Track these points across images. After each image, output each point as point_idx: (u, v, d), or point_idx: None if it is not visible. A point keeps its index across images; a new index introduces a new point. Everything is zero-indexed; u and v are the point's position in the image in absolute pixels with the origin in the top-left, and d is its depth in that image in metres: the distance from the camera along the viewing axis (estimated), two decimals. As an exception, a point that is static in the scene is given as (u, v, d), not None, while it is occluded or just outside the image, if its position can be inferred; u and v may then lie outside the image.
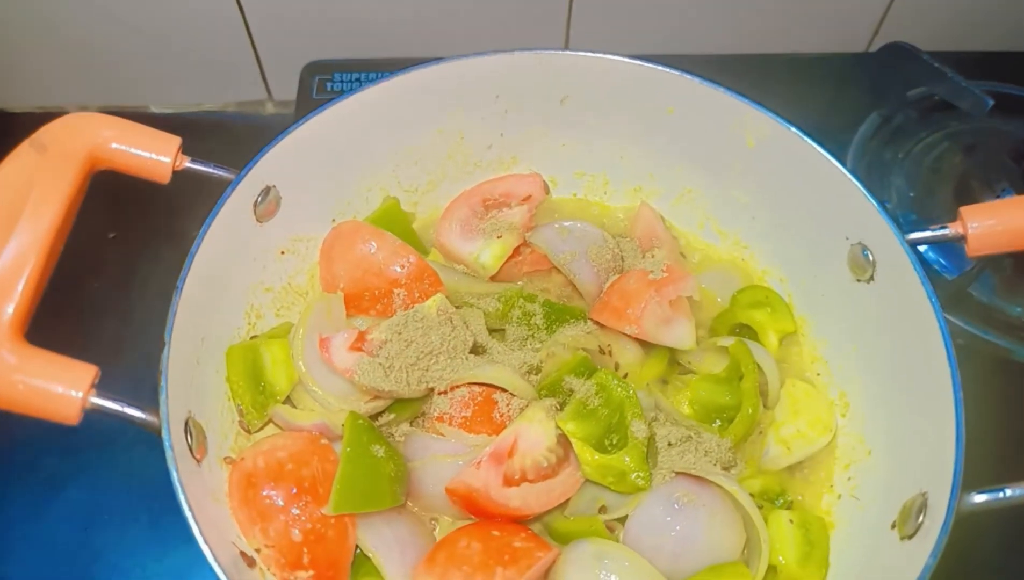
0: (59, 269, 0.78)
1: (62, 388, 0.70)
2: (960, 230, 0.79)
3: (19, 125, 1.38)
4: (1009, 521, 0.90)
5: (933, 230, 0.81)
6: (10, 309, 0.71)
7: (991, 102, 1.24)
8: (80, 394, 0.70)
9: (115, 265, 1.17)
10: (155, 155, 0.82)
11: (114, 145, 0.81)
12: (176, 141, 0.83)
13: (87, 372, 0.71)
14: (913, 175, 1.28)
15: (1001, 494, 0.67)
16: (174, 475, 0.70)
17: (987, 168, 1.25)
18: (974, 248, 0.78)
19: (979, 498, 0.68)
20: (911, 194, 1.26)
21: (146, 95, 1.40)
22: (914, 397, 0.79)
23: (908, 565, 0.67)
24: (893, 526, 0.75)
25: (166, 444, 0.71)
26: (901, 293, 0.80)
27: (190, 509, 0.69)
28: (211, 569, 0.90)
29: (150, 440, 1.02)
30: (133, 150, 0.81)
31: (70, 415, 0.70)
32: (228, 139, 1.36)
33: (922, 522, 0.70)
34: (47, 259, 0.74)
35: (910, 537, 0.71)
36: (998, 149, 1.28)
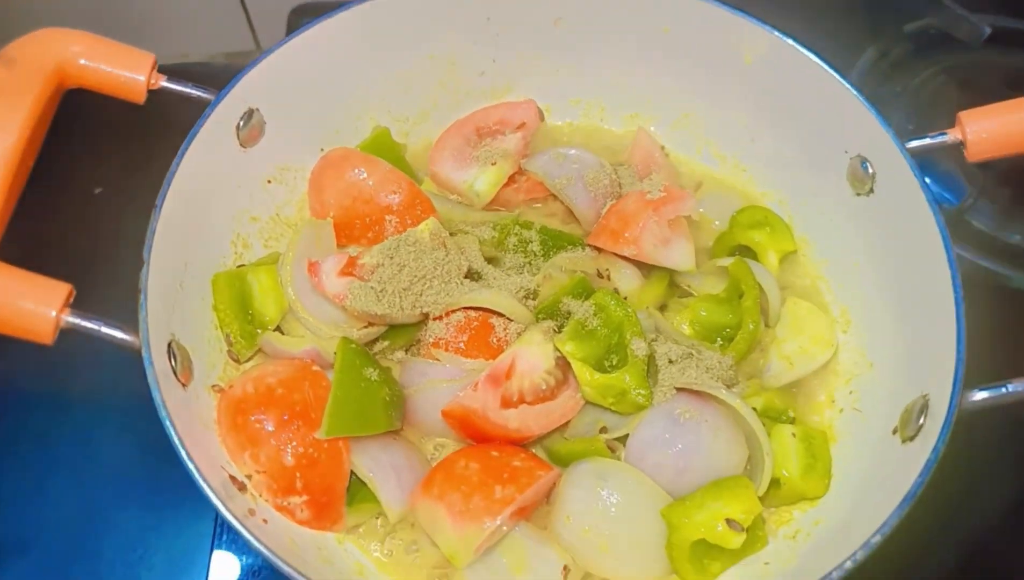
0: (32, 187, 0.75)
1: (35, 305, 0.67)
2: (959, 136, 0.77)
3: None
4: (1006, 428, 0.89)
5: (932, 137, 0.79)
6: (-19, 225, 0.68)
7: (988, 30, 1.22)
8: (54, 312, 0.68)
9: (91, 186, 1.13)
10: (128, 72, 0.79)
11: (83, 61, 0.78)
12: (150, 58, 0.80)
13: (61, 290, 0.69)
14: (910, 109, 1.26)
15: (1004, 390, 0.66)
16: (156, 394, 0.67)
17: (984, 100, 1.22)
18: (974, 153, 0.77)
19: (980, 395, 0.67)
20: (909, 127, 1.24)
21: (130, 45, 1.37)
22: (916, 304, 0.77)
23: (910, 466, 0.66)
24: (894, 431, 0.73)
25: (146, 362, 0.68)
26: (901, 202, 0.78)
27: (173, 427, 0.66)
28: (208, 517, 0.89)
29: (144, 393, 1.00)
30: (104, 67, 0.78)
31: (44, 333, 0.68)
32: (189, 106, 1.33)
33: (923, 423, 0.69)
34: (15, 174, 0.71)
35: (912, 438, 0.70)
36: (995, 80, 1.25)
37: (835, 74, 0.83)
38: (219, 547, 0.92)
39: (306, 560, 0.71)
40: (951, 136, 0.78)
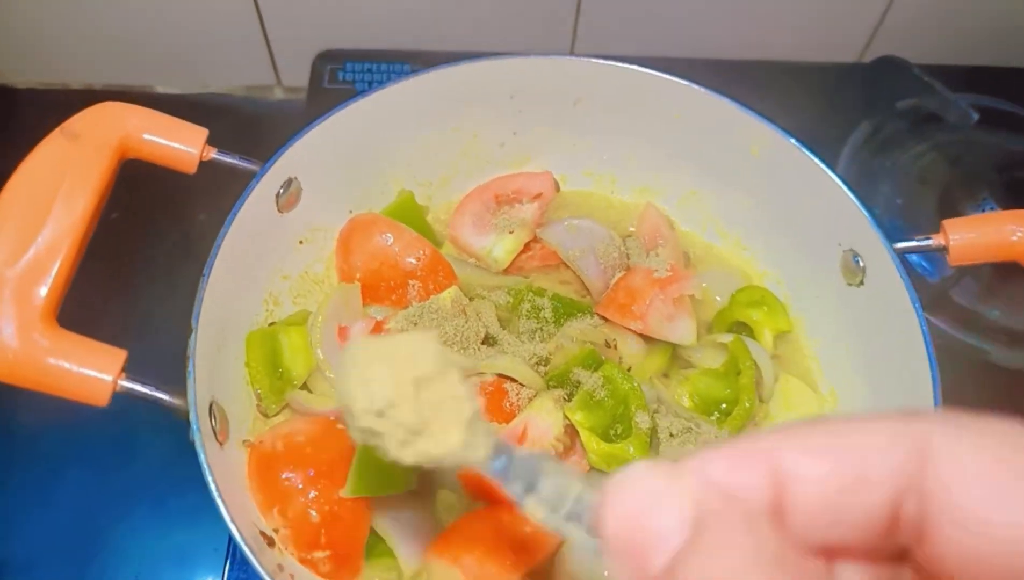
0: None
1: (94, 371, 0.72)
2: (942, 241, 0.84)
3: (23, 101, 1.39)
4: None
5: (918, 240, 0.86)
6: (43, 293, 0.73)
7: (976, 116, 1.29)
8: (111, 377, 0.73)
9: (118, 249, 1.18)
10: (184, 146, 0.84)
11: (145, 136, 0.83)
12: (203, 133, 0.85)
13: (117, 356, 0.74)
14: (901, 184, 1.33)
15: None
16: (202, 457, 0.72)
17: (971, 179, 1.31)
18: (955, 258, 0.84)
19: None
20: (898, 201, 1.31)
21: (152, 75, 1.41)
22: (897, 393, 0.84)
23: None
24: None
25: (194, 427, 0.74)
26: (888, 297, 0.85)
27: (218, 490, 0.71)
28: (217, 550, 0.94)
29: (154, 422, 1.04)
30: (163, 141, 0.84)
31: (101, 397, 0.73)
32: (235, 123, 1.37)
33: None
34: (79, 246, 0.76)
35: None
36: (982, 161, 1.33)
37: (833, 175, 0.90)
38: (230, 576, 0.97)
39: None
40: (935, 241, 0.84)
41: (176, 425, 1.03)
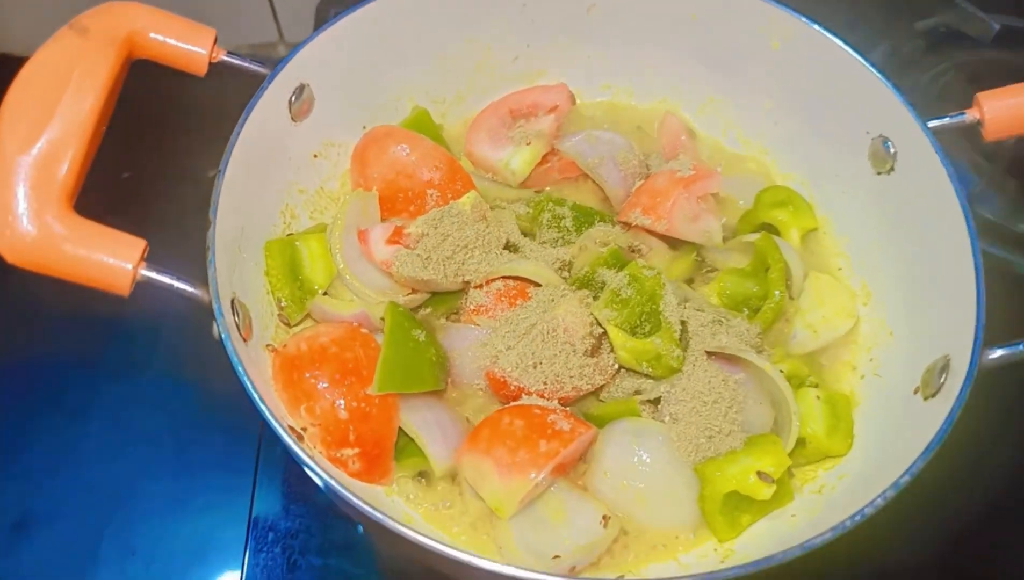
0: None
1: (113, 259, 0.71)
2: (977, 115, 0.82)
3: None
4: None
5: (952, 117, 0.84)
6: (58, 180, 0.72)
7: (997, 27, 1.27)
8: (131, 266, 0.71)
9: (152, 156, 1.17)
10: (192, 46, 0.83)
11: (152, 35, 0.82)
12: (212, 33, 0.84)
13: (137, 245, 0.73)
14: (921, 106, 1.30)
15: (1019, 348, 0.71)
16: (227, 344, 0.71)
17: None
18: (991, 131, 0.82)
19: (998, 353, 0.72)
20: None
21: (194, 22, 1.40)
22: (935, 275, 0.82)
23: (932, 419, 0.70)
24: (916, 391, 0.78)
25: (216, 314, 0.72)
26: (922, 179, 0.83)
27: (246, 374, 0.70)
28: (242, 491, 0.92)
29: (175, 369, 1.03)
30: (171, 40, 0.82)
31: (121, 286, 0.72)
32: (240, 82, 1.37)
33: (944, 381, 0.73)
34: (91, 137, 0.75)
35: (933, 395, 0.75)
36: (1003, 76, 1.29)
37: (859, 58, 0.88)
38: (255, 515, 0.95)
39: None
40: (969, 116, 0.82)
41: (198, 376, 1.02)
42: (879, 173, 0.90)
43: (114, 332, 1.10)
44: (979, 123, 0.82)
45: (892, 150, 0.87)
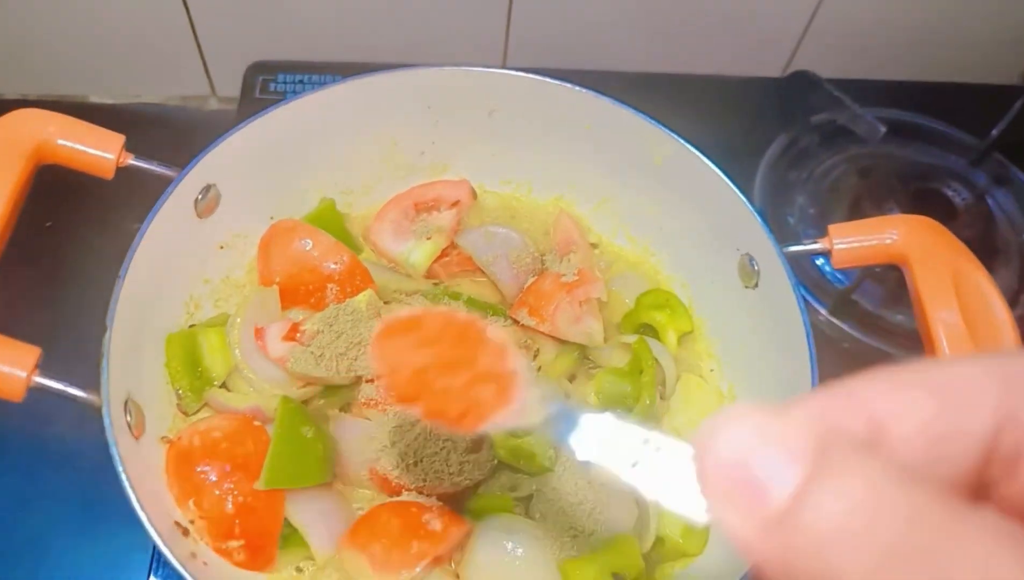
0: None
1: (8, 368, 0.75)
2: (827, 245, 0.90)
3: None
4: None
5: (805, 244, 0.91)
6: (-42, 293, 0.76)
7: (883, 129, 1.36)
8: (25, 373, 0.76)
9: (49, 254, 1.20)
10: (100, 152, 0.87)
11: (60, 141, 0.86)
12: (120, 139, 0.88)
13: (31, 353, 0.77)
14: (814, 194, 1.40)
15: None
16: (113, 450, 0.75)
17: (879, 189, 1.38)
18: (838, 261, 0.89)
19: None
20: (811, 211, 1.38)
21: (86, 85, 1.43)
22: (786, 389, 0.89)
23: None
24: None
25: (106, 421, 0.76)
26: (778, 298, 0.90)
27: (128, 479, 0.74)
28: (144, 549, 0.96)
29: (85, 423, 1.06)
30: (79, 146, 0.86)
31: (15, 393, 0.76)
32: (170, 133, 1.40)
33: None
34: (-5, 248, 0.79)
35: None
36: (889, 172, 1.40)
37: (729, 182, 0.95)
38: (156, 575, 0.99)
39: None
40: (820, 244, 0.90)
41: (103, 428, 1.06)
42: (746, 286, 0.98)
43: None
44: (828, 252, 0.89)
45: (756, 268, 0.95)
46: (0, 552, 1.03)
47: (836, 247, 0.89)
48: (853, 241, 0.89)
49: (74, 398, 0.77)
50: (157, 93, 1.47)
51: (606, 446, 0.42)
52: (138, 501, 0.73)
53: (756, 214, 0.94)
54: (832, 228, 0.90)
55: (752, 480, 0.31)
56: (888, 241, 0.88)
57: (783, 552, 0.30)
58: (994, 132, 1.40)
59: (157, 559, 1.00)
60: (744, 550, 0.31)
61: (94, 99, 1.44)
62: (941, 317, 0.81)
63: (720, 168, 0.97)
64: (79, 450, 1.08)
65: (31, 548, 1.04)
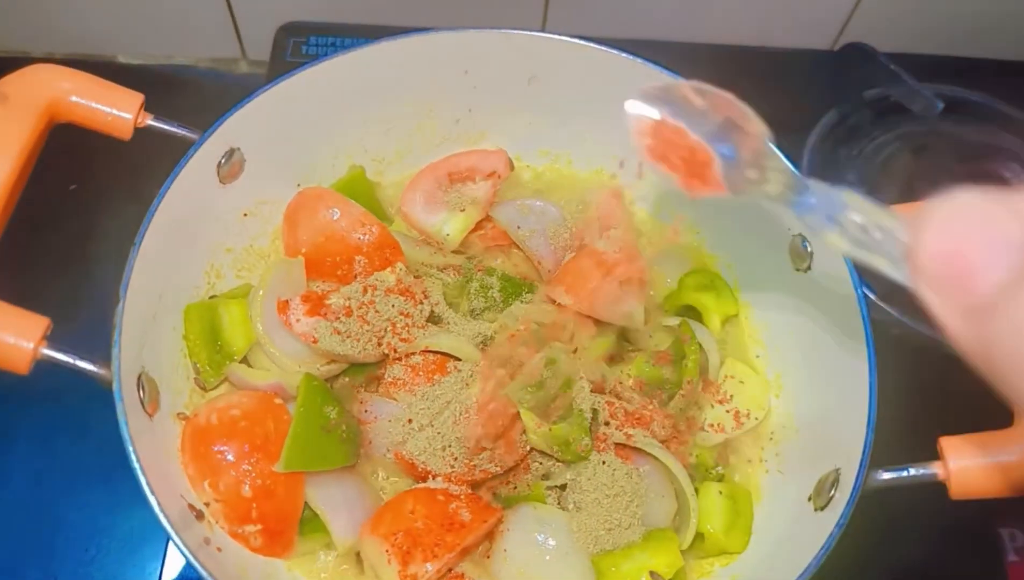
0: (17, 220, 0.78)
1: (13, 338, 0.71)
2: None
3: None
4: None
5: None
6: (-34, 256, 0.71)
7: (941, 105, 1.29)
8: (31, 345, 0.71)
9: (74, 218, 1.16)
10: (116, 111, 0.82)
11: (74, 98, 0.81)
12: (139, 98, 0.84)
13: (39, 323, 0.72)
14: (864, 173, 1.33)
15: (905, 472, 0.72)
16: (123, 428, 0.71)
17: (934, 169, 1.30)
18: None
19: (886, 475, 0.73)
20: (862, 190, 1.30)
21: (115, 45, 1.39)
22: (838, 381, 0.83)
23: (818, 534, 0.72)
24: (809, 499, 0.79)
25: (116, 397, 0.72)
26: (832, 282, 0.84)
27: (138, 460, 0.70)
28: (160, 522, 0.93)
29: (104, 395, 1.03)
30: (94, 104, 0.82)
31: (20, 365, 0.72)
32: (198, 95, 1.35)
33: (833, 495, 0.75)
34: (5, 206, 0.75)
35: (822, 508, 0.76)
36: (945, 152, 1.33)
37: (783, 157, 0.89)
38: (171, 550, 0.96)
39: (254, 587, 0.76)
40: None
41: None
42: (797, 270, 0.91)
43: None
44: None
45: (809, 249, 0.89)
46: (16, 525, 1.01)
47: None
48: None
49: (83, 372, 0.73)
50: (186, 55, 1.42)
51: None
52: (148, 484, 0.69)
53: (813, 193, 0.87)
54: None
55: (965, 268, 0.32)
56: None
57: (986, 339, 0.31)
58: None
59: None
60: (946, 334, 0.33)
61: (122, 59, 1.40)
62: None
63: (773, 143, 0.90)
64: (97, 421, 1.06)
65: (47, 521, 1.01)
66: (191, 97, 1.31)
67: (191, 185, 0.85)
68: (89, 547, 1.01)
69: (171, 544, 0.95)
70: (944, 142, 1.34)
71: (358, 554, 0.84)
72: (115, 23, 1.34)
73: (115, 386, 0.72)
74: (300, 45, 1.34)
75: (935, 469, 0.71)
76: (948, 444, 0.72)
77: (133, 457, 0.70)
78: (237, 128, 0.89)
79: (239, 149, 0.91)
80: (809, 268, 0.90)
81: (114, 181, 1.10)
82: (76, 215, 1.16)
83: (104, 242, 1.10)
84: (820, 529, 0.73)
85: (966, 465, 0.70)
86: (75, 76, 0.81)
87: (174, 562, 0.96)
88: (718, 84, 0.95)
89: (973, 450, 0.71)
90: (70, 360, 0.72)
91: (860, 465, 0.72)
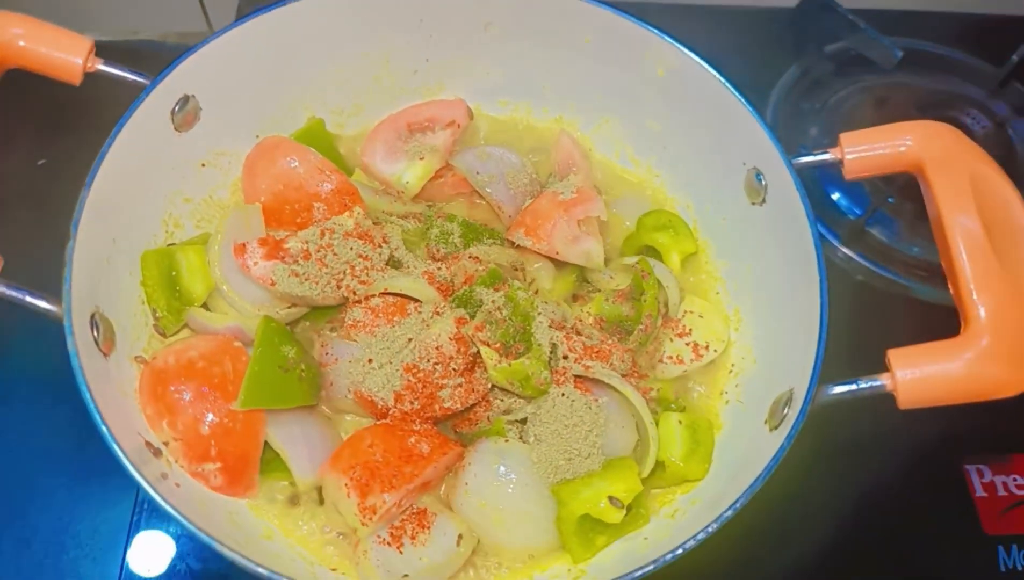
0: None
1: (-34, 275, 0.71)
2: (838, 155, 0.84)
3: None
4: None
5: (816, 154, 0.85)
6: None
7: (900, 54, 1.30)
8: (-17, 282, 0.71)
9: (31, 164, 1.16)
10: (66, 55, 0.82)
11: (23, 43, 0.81)
12: (88, 42, 0.84)
13: (-14, 260, 0.72)
14: (827, 125, 1.34)
15: (854, 386, 0.73)
16: (74, 360, 0.71)
17: (895, 118, 1.28)
18: (850, 171, 0.83)
19: (836, 389, 0.74)
20: (824, 142, 1.32)
21: (83, 22, 1.38)
22: (794, 307, 0.84)
23: (771, 451, 0.72)
24: (765, 421, 0.80)
25: (67, 331, 0.72)
26: (786, 213, 0.85)
27: (89, 393, 0.70)
28: (130, 487, 0.93)
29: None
30: (43, 49, 0.82)
31: (-27, 302, 0.72)
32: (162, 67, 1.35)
33: (787, 413, 0.75)
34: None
35: (776, 427, 0.77)
36: (906, 101, 1.34)
37: (734, 92, 0.90)
38: (140, 516, 0.96)
39: (213, 522, 0.75)
40: (832, 154, 0.84)
41: None
42: (753, 203, 0.92)
43: (21, 316, 1.10)
44: (840, 162, 0.84)
45: (763, 182, 0.90)
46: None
47: (848, 156, 0.83)
48: (866, 149, 0.83)
49: (33, 307, 0.73)
50: (153, 29, 1.42)
51: None
52: (99, 413, 0.69)
53: (762, 124, 0.88)
54: (844, 136, 0.84)
55: None
56: (902, 148, 0.82)
57: None
58: (1014, 57, 1.34)
59: (143, 498, 0.97)
60: None
61: (90, 36, 1.39)
62: (959, 222, 0.76)
63: (725, 77, 0.91)
64: (71, 389, 1.05)
65: (20, 487, 1.01)
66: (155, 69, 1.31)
67: (145, 130, 0.85)
68: (62, 515, 1.00)
69: (137, 521, 0.96)
70: (905, 92, 1.36)
71: (319, 492, 0.84)
72: (83, 1, 1.34)
73: (66, 321, 0.72)
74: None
75: (883, 380, 0.72)
76: (895, 355, 0.73)
77: (84, 389, 0.70)
78: (191, 74, 0.89)
79: (193, 96, 0.91)
80: (764, 201, 0.90)
81: (71, 125, 1.09)
82: (33, 156, 1.15)
83: (58, 185, 1.09)
84: (773, 447, 0.74)
85: (913, 375, 0.71)
86: (25, 21, 0.81)
87: (143, 533, 0.96)
88: (683, 42, 0.96)
89: (919, 360, 0.72)
90: (19, 296, 0.72)
91: (811, 378, 0.73)
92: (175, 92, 0.88)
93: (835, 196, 1.26)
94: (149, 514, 0.96)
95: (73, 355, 0.71)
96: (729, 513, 0.69)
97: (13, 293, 0.72)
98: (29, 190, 1.15)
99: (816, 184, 1.24)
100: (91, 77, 0.84)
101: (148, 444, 0.78)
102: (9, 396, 1.06)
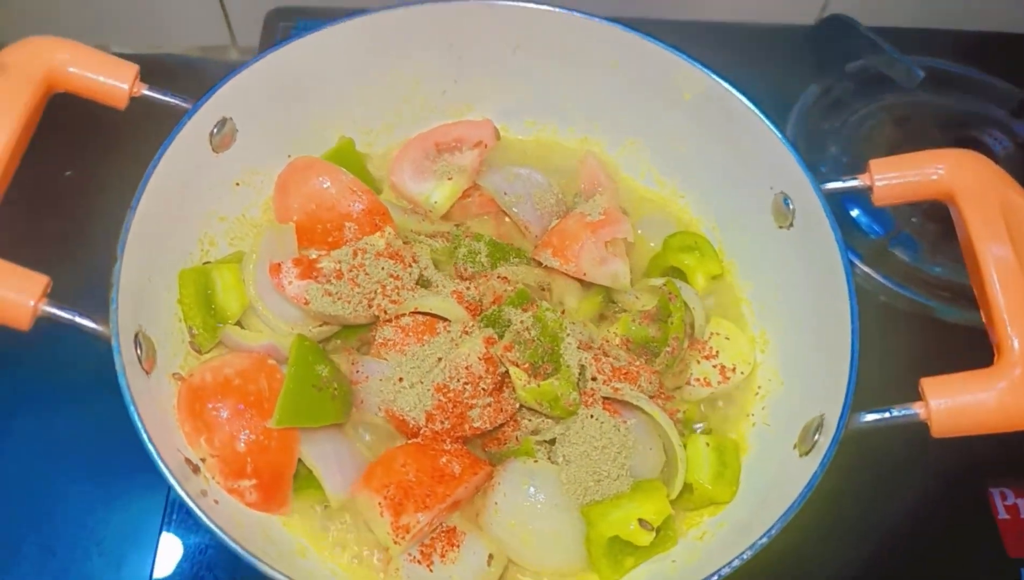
0: (17, 186, 0.80)
1: (15, 295, 0.73)
2: (867, 181, 0.85)
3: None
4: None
5: (844, 181, 0.86)
6: (-34, 217, 0.73)
7: (922, 74, 1.31)
8: (32, 302, 0.73)
9: (74, 190, 1.18)
10: (112, 80, 0.85)
11: (71, 69, 0.83)
12: (134, 68, 0.86)
13: (39, 281, 0.74)
14: (848, 144, 1.35)
15: (887, 414, 0.74)
16: (122, 380, 0.73)
17: (916, 139, 1.32)
18: (879, 198, 0.84)
19: (869, 417, 0.74)
20: (845, 160, 1.33)
21: (107, 35, 1.41)
22: (822, 331, 0.85)
23: (803, 478, 0.73)
24: (795, 447, 0.81)
25: (115, 351, 0.74)
26: (815, 237, 0.86)
27: (137, 411, 0.72)
28: (158, 492, 0.94)
29: (103, 370, 1.05)
30: (90, 74, 0.84)
31: (21, 321, 0.74)
32: (190, 83, 1.37)
33: (817, 439, 0.76)
34: (4, 173, 0.77)
35: (807, 453, 0.78)
36: (927, 121, 1.35)
37: (763, 117, 0.91)
38: (167, 527, 0.98)
39: (250, 538, 0.77)
40: (860, 181, 0.85)
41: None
42: (780, 227, 0.93)
43: (41, 329, 1.12)
44: (869, 189, 0.85)
45: (791, 207, 0.91)
46: (15, 498, 1.02)
47: (877, 183, 0.84)
48: (896, 177, 0.84)
49: (83, 328, 0.75)
50: (177, 44, 1.44)
51: None
52: (146, 432, 0.71)
53: (791, 150, 0.89)
54: (873, 163, 0.85)
55: None
56: (934, 176, 0.83)
57: None
58: (1036, 80, 1.35)
59: (170, 507, 0.99)
60: None
61: (115, 49, 1.41)
62: (991, 251, 0.76)
63: (753, 102, 0.92)
64: (96, 397, 1.07)
65: (47, 495, 1.03)
66: (182, 85, 1.33)
67: (185, 152, 0.87)
68: (87, 520, 1.02)
69: (165, 531, 0.97)
70: (926, 112, 1.36)
71: (351, 509, 0.86)
72: (107, 13, 1.36)
73: (114, 342, 0.74)
74: (289, 29, 1.36)
75: (917, 409, 0.73)
76: (928, 384, 0.73)
77: (132, 407, 0.72)
78: (229, 98, 0.91)
79: (231, 119, 0.93)
80: (791, 225, 0.91)
81: (113, 153, 1.11)
82: (71, 185, 1.17)
83: (99, 204, 1.11)
84: (804, 473, 0.75)
85: (946, 404, 0.72)
86: (72, 47, 0.83)
87: (170, 538, 0.97)
88: (703, 60, 0.98)
89: (953, 389, 0.73)
90: (70, 317, 0.74)
91: (843, 406, 0.74)
92: (214, 115, 0.91)
93: (854, 213, 1.26)
94: (177, 524, 0.98)
95: (121, 374, 0.73)
96: (764, 540, 0.70)
97: (64, 314, 0.74)
98: (58, 201, 1.18)
99: (838, 204, 1.25)
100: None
101: (187, 460, 0.80)
102: (34, 403, 1.08)
